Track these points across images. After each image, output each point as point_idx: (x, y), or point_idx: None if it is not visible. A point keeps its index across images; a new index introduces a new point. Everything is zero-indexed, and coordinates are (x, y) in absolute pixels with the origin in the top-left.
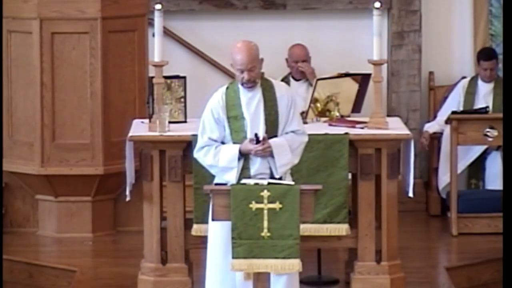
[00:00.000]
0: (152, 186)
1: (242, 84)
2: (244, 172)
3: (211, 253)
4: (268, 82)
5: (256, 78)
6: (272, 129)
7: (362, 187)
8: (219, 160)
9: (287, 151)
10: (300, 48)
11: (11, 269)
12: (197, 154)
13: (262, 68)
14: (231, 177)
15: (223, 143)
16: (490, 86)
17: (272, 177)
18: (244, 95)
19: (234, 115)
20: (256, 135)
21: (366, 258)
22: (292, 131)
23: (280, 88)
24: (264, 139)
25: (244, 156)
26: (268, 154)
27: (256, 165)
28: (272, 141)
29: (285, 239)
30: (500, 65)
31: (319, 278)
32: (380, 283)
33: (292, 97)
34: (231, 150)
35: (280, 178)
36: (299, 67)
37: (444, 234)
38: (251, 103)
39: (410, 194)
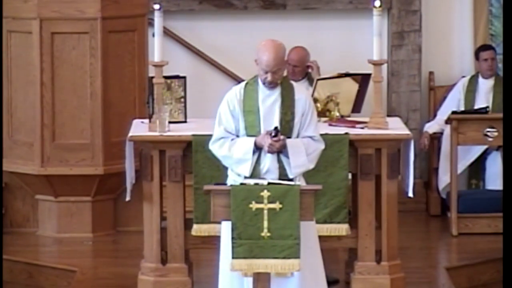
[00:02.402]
0: (152, 186)
1: (264, 83)
2: (254, 167)
3: (224, 251)
4: (289, 83)
5: (278, 80)
6: (286, 129)
7: (362, 187)
8: (234, 152)
9: (302, 152)
10: (294, 52)
11: (11, 269)
12: (212, 146)
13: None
14: (244, 170)
15: (237, 137)
16: (490, 83)
17: (281, 177)
18: (262, 91)
19: (249, 110)
20: (276, 128)
21: (366, 258)
22: (309, 137)
23: (299, 92)
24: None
25: (258, 150)
26: (277, 149)
27: (267, 162)
28: (288, 140)
29: (285, 239)
30: (500, 65)
31: None
32: (380, 283)
33: (310, 103)
34: (247, 142)
35: (291, 179)
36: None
37: (444, 234)
38: (268, 100)
39: (410, 194)
